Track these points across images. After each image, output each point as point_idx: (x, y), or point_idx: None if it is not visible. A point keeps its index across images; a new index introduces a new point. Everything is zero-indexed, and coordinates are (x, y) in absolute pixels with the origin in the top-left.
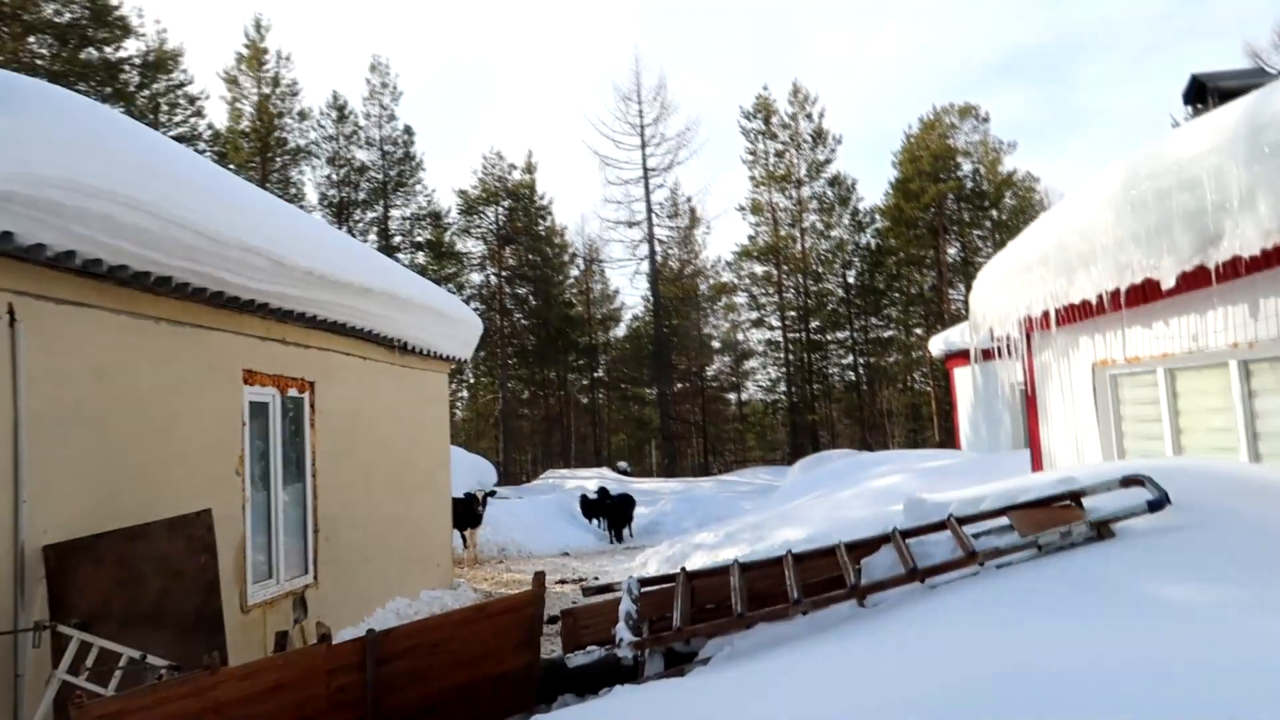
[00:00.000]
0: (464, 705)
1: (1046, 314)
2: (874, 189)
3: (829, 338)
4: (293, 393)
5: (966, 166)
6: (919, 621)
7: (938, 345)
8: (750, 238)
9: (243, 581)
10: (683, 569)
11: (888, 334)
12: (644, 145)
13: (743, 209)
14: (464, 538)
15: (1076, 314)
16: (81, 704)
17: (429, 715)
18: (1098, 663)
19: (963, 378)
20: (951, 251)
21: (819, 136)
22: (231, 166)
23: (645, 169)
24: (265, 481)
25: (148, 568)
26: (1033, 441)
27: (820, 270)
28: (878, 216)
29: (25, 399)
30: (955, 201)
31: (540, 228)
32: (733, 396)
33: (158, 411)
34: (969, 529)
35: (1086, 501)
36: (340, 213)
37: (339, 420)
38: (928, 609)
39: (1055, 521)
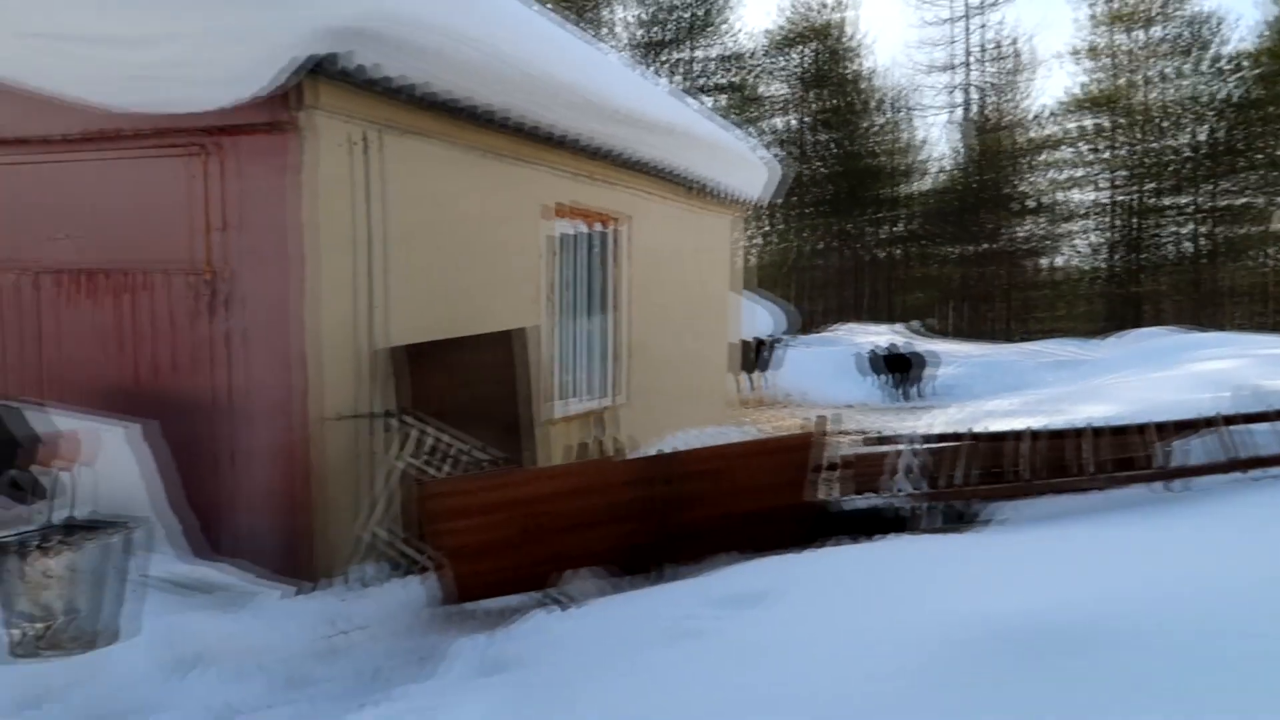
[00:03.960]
0: (739, 532)
1: None
2: (1244, 30)
3: (1165, 202)
4: (598, 228)
5: None
6: (1238, 513)
7: None
8: (1083, 85)
9: (548, 397)
10: (970, 430)
11: (1240, 202)
12: None
13: (1076, 53)
14: (749, 380)
15: None
16: (421, 481)
17: (707, 537)
18: None
19: None
20: None
21: None
22: (549, 5)
23: (968, 6)
24: (570, 310)
25: (472, 375)
26: None
27: (1164, 125)
28: (1244, 64)
29: (377, 218)
30: None
31: (848, 71)
32: (1045, 261)
33: (481, 237)
34: None
35: None
36: (646, 53)
37: (638, 257)
38: (1252, 501)
39: None
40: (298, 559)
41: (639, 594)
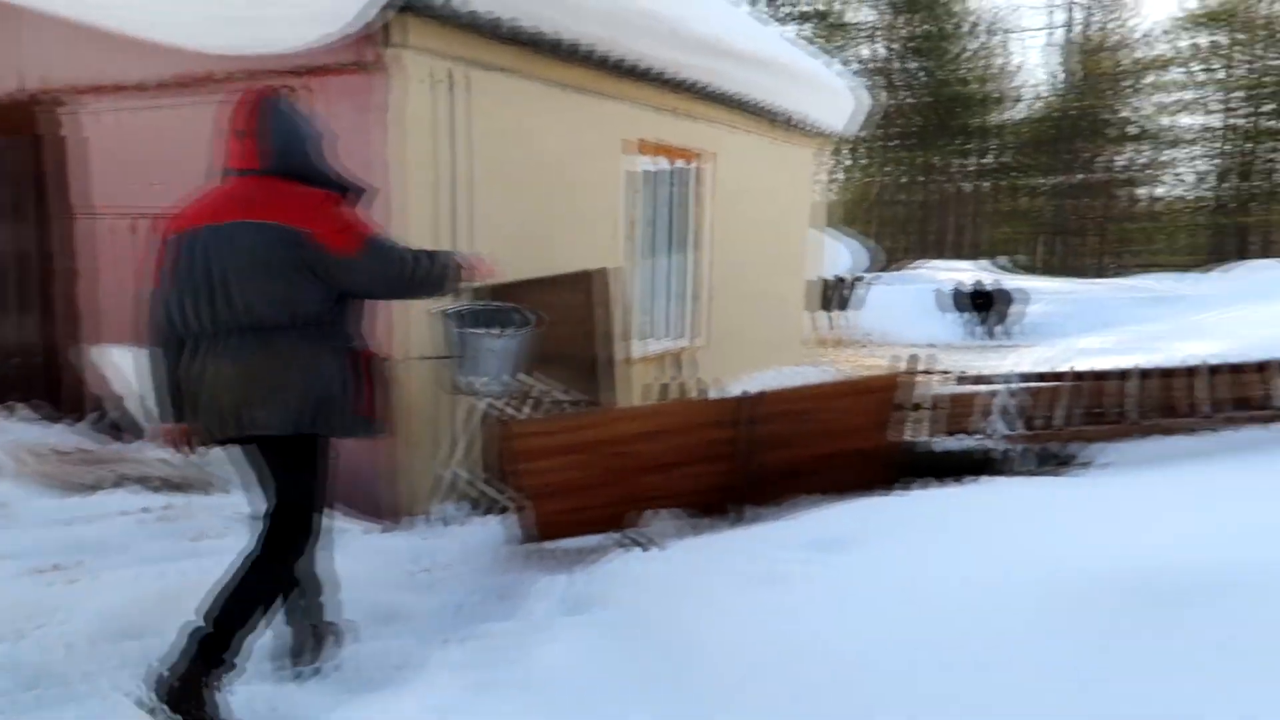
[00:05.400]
0: (825, 475)
1: None
2: None
3: None
4: (679, 164)
5: None
6: None
7: None
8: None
9: (626, 338)
10: (1071, 368)
11: None
12: None
13: None
14: (829, 319)
15: None
16: (504, 421)
17: (791, 479)
18: None
19: None
20: None
21: None
22: None
23: None
24: (650, 248)
25: (554, 315)
26: None
27: None
28: None
29: (461, 157)
30: None
31: None
32: (1144, 191)
33: (561, 175)
34: None
35: None
36: None
37: (719, 194)
38: None
39: None
40: (381, 497)
41: (721, 536)
